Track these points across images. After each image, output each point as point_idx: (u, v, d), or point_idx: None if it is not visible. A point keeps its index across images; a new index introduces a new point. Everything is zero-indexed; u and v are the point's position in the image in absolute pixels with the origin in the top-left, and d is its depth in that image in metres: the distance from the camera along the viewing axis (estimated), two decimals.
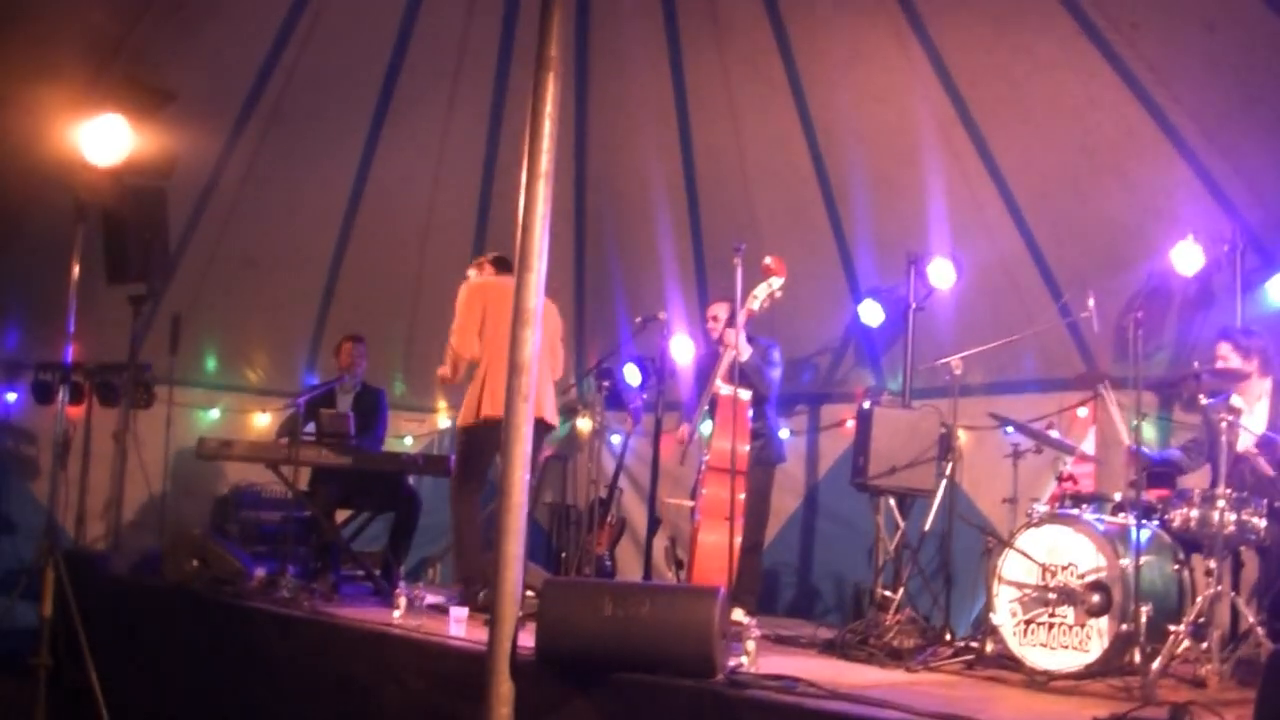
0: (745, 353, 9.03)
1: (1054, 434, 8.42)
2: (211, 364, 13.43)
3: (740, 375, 8.78)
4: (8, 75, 9.88)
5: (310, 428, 10.25)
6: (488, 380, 8.86)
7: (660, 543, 10.19)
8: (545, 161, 5.37)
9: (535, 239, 5.37)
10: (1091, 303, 8.21)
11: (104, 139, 9.00)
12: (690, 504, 9.17)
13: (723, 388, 9.01)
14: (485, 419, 8.75)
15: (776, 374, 9.77)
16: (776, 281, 8.92)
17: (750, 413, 9.05)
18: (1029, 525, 7.21)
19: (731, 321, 9.12)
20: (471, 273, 9.36)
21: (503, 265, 9.21)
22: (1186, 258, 8.90)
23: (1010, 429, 8.70)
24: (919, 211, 10.47)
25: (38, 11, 9.85)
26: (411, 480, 10.71)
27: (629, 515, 12.37)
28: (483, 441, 8.86)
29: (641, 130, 12.48)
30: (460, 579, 8.90)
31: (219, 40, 11.01)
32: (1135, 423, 7.01)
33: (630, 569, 12.17)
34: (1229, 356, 7.87)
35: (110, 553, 10.84)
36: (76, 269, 9.35)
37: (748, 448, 8.91)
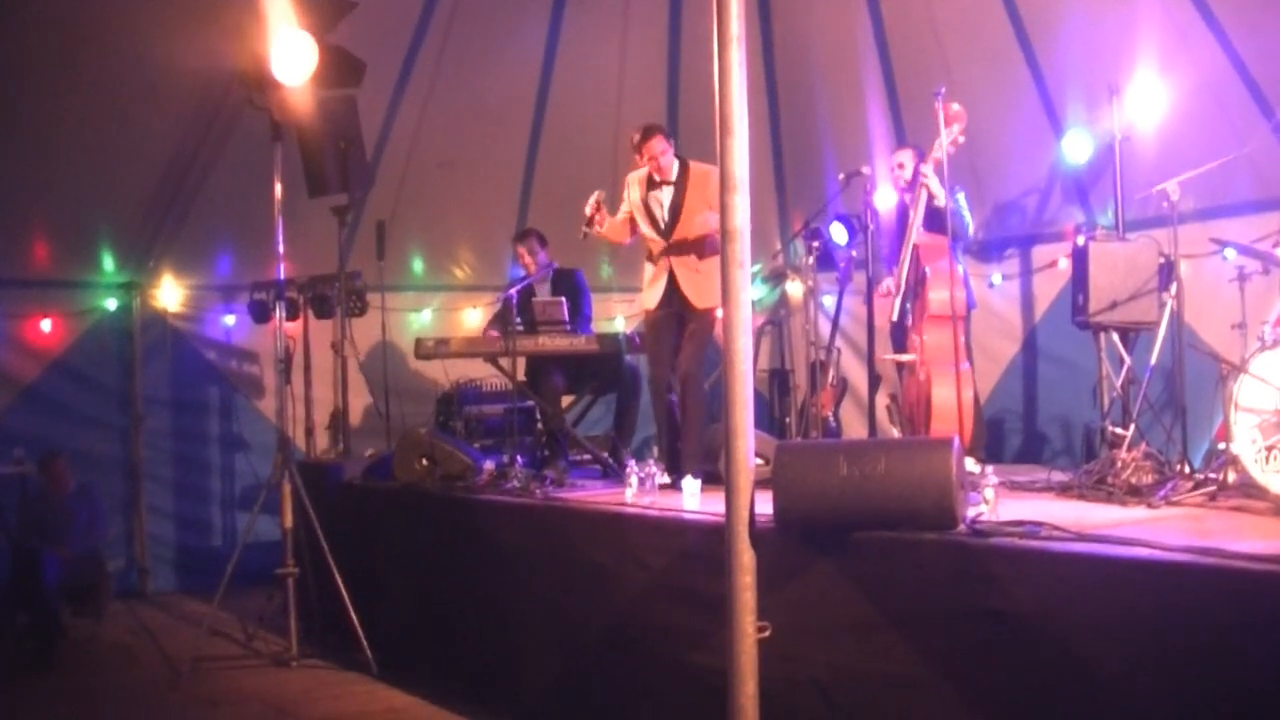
0: (943, 197, 8.93)
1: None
2: (419, 266, 13.64)
3: (938, 221, 8.68)
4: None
5: (519, 319, 10.34)
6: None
7: (882, 400, 10.12)
8: (735, 25, 5.27)
9: (733, 104, 5.28)
10: None
11: (291, 56, 9.12)
12: (909, 358, 9.08)
13: (923, 236, 8.93)
14: None
15: (969, 218, 9.71)
16: (957, 128, 8.84)
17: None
18: (1262, 348, 6.97)
19: (920, 167, 9.11)
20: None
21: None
22: None
23: (1231, 253, 8.45)
24: (1116, 42, 10.18)
25: None
26: (630, 359, 10.71)
27: (849, 375, 12.32)
28: None
29: None
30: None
31: None
32: None
33: (855, 429, 12.13)
34: None
35: (341, 461, 11.05)
36: (279, 187, 9.53)
37: (964, 293, 8.84)
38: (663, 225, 9.17)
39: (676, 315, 9.14)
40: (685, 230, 9.07)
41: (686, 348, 9.09)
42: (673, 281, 9.13)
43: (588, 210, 9.17)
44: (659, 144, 9.11)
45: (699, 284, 9.01)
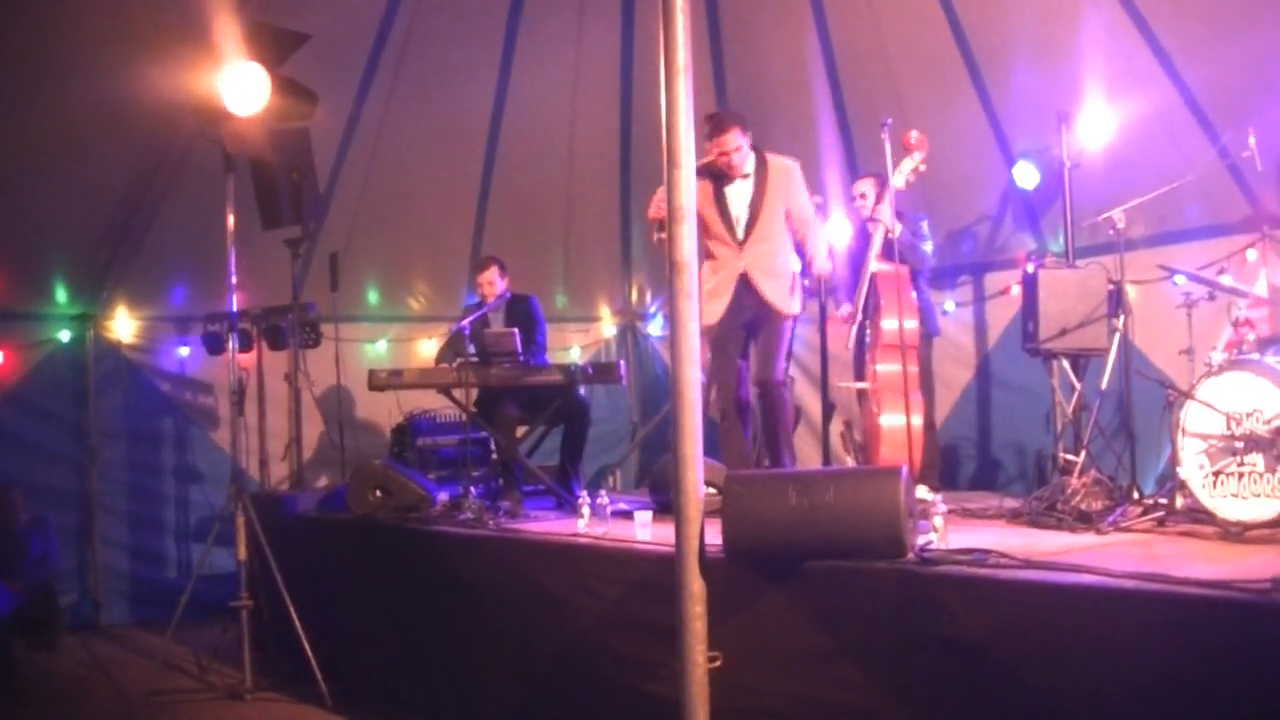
0: (897, 229, 8.90)
1: (1226, 279, 8.17)
2: (373, 297, 13.61)
3: (894, 252, 8.68)
4: (146, 32, 10.01)
5: (472, 349, 10.29)
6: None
7: (836, 428, 10.13)
8: (683, 56, 5.30)
9: (680, 135, 5.31)
10: (1252, 141, 7.98)
11: (243, 88, 9.10)
12: (864, 385, 9.11)
13: (880, 265, 8.94)
14: None
15: (929, 247, 9.77)
16: (919, 156, 8.90)
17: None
18: (1209, 374, 7.00)
19: (881, 197, 9.07)
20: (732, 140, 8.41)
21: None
22: None
23: (1180, 279, 8.51)
24: (1064, 68, 10.27)
25: None
26: (583, 390, 10.67)
27: (802, 403, 12.32)
28: None
29: (774, 16, 12.36)
30: None
31: None
32: None
33: (809, 457, 12.14)
34: None
35: (295, 492, 11.01)
36: (232, 219, 9.50)
37: (916, 324, 8.86)
38: (741, 225, 8.45)
39: (746, 326, 8.52)
40: (765, 229, 8.48)
41: (763, 351, 8.50)
42: (748, 286, 8.40)
43: (652, 211, 8.33)
44: (735, 137, 8.35)
45: (780, 289, 8.47)
